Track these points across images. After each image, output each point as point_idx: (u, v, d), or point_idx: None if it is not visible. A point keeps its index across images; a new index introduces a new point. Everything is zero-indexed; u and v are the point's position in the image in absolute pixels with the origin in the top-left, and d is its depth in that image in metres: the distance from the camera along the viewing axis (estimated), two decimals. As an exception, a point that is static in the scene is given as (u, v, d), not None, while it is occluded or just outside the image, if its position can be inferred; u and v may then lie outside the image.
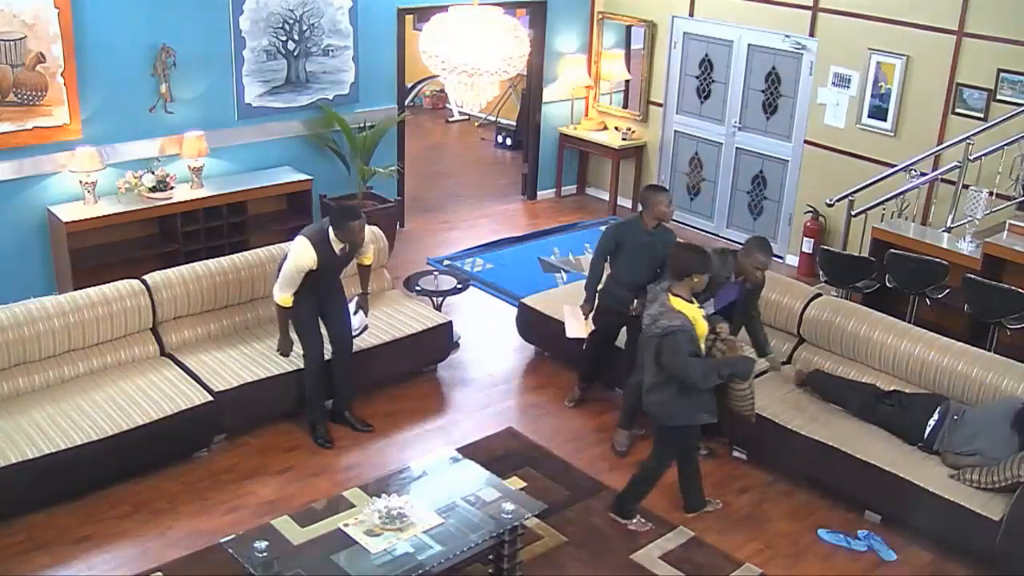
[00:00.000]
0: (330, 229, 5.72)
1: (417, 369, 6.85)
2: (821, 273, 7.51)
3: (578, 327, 6.26)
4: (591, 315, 6.28)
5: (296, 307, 5.83)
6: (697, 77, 9.61)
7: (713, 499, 5.60)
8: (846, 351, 6.22)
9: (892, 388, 5.87)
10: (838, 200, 7.81)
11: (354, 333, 6.19)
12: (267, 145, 8.36)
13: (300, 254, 5.66)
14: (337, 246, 5.76)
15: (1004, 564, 4.99)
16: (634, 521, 5.39)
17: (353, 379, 6.19)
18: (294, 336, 5.98)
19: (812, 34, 8.61)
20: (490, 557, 4.69)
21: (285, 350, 5.99)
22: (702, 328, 5.04)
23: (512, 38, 5.97)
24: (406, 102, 10.38)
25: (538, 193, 10.61)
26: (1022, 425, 5.28)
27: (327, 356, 6.06)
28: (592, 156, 10.60)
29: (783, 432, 5.72)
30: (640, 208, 6.26)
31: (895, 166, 7.89)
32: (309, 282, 5.76)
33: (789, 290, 6.54)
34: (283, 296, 5.76)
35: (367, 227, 5.94)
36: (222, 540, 4.45)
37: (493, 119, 13.43)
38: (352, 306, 6.21)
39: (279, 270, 5.81)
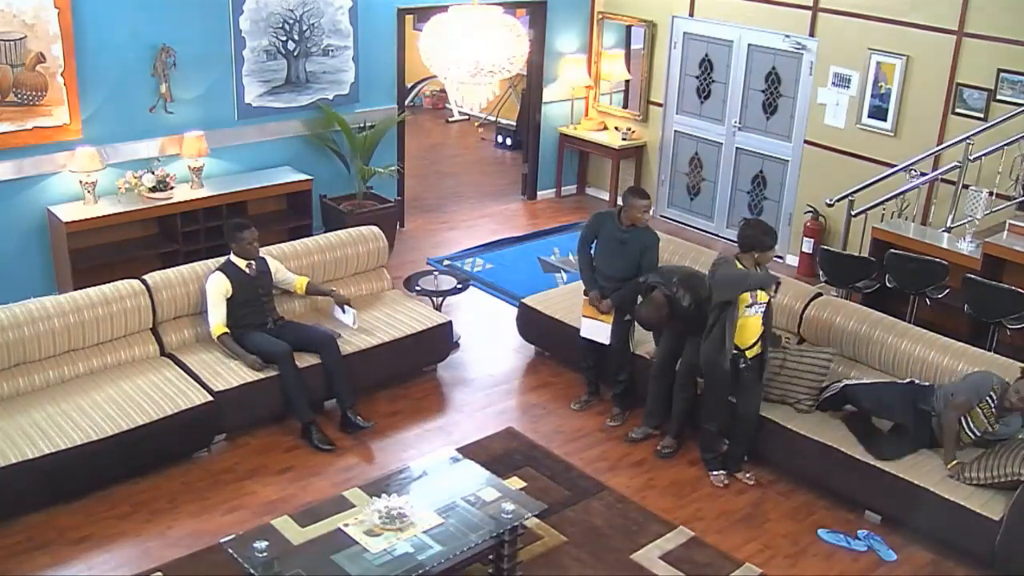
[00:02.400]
0: (230, 254, 6.16)
1: (417, 369, 6.85)
2: (821, 273, 7.50)
3: (593, 326, 6.30)
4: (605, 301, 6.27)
5: (236, 337, 6.06)
6: (697, 77, 9.61)
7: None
8: (846, 351, 6.22)
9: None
10: (838, 200, 7.81)
11: (354, 326, 6.45)
12: (267, 145, 8.36)
13: (214, 282, 6.08)
14: (243, 263, 6.13)
15: (1004, 564, 4.99)
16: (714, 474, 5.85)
17: (350, 381, 6.19)
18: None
19: (812, 34, 8.61)
20: (490, 557, 4.69)
21: (254, 365, 5.96)
22: (743, 296, 5.47)
23: (512, 38, 5.98)
24: (406, 102, 10.38)
25: (538, 193, 10.62)
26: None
27: (320, 359, 6.16)
28: (592, 156, 10.60)
29: (783, 432, 5.72)
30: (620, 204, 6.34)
31: (895, 166, 7.89)
32: (242, 311, 6.11)
33: (789, 290, 6.53)
34: (214, 325, 6.08)
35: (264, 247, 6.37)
36: (222, 540, 4.45)
37: (493, 119, 13.43)
38: (337, 310, 6.53)
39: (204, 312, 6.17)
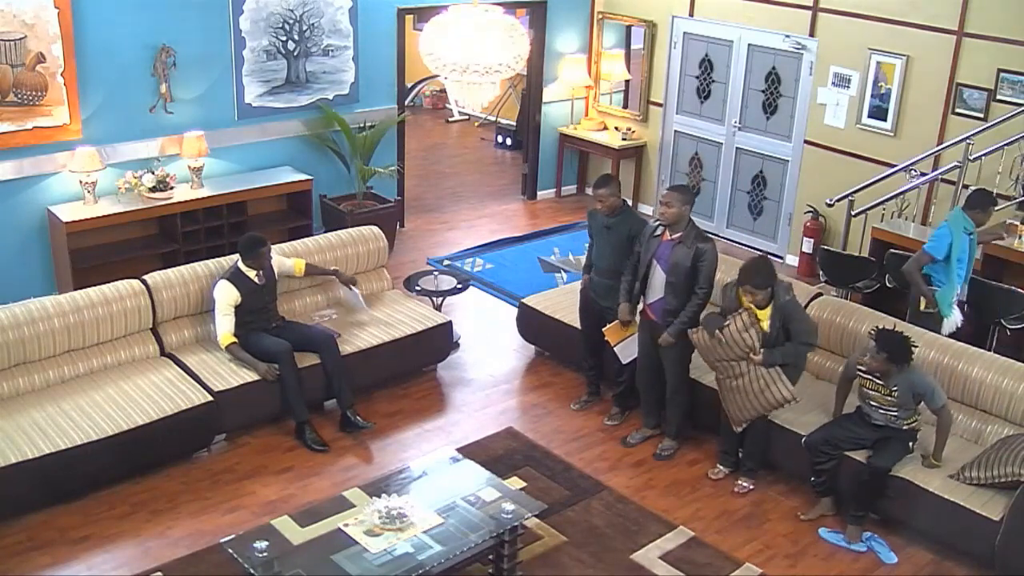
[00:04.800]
0: (239, 262, 6.11)
1: (417, 369, 6.85)
2: (821, 273, 7.51)
3: (625, 346, 6.16)
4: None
5: (242, 342, 6.04)
6: (697, 77, 9.61)
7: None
8: (846, 351, 6.21)
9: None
10: (838, 200, 7.81)
11: (363, 305, 6.66)
12: (267, 145, 8.36)
13: (223, 292, 6.04)
14: (251, 273, 6.10)
15: (1004, 564, 4.99)
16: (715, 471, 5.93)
17: (350, 381, 6.18)
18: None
19: (812, 34, 8.61)
20: (490, 557, 4.69)
21: (266, 374, 5.94)
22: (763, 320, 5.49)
23: (511, 38, 5.98)
24: (406, 102, 10.39)
25: (538, 193, 10.62)
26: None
27: (320, 359, 6.17)
28: (592, 156, 10.61)
29: (783, 432, 5.72)
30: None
31: (895, 166, 7.89)
32: (249, 318, 6.10)
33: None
34: (223, 334, 6.04)
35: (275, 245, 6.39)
36: (222, 540, 4.46)
37: (493, 119, 13.43)
38: (345, 291, 6.71)
39: (214, 322, 6.15)
